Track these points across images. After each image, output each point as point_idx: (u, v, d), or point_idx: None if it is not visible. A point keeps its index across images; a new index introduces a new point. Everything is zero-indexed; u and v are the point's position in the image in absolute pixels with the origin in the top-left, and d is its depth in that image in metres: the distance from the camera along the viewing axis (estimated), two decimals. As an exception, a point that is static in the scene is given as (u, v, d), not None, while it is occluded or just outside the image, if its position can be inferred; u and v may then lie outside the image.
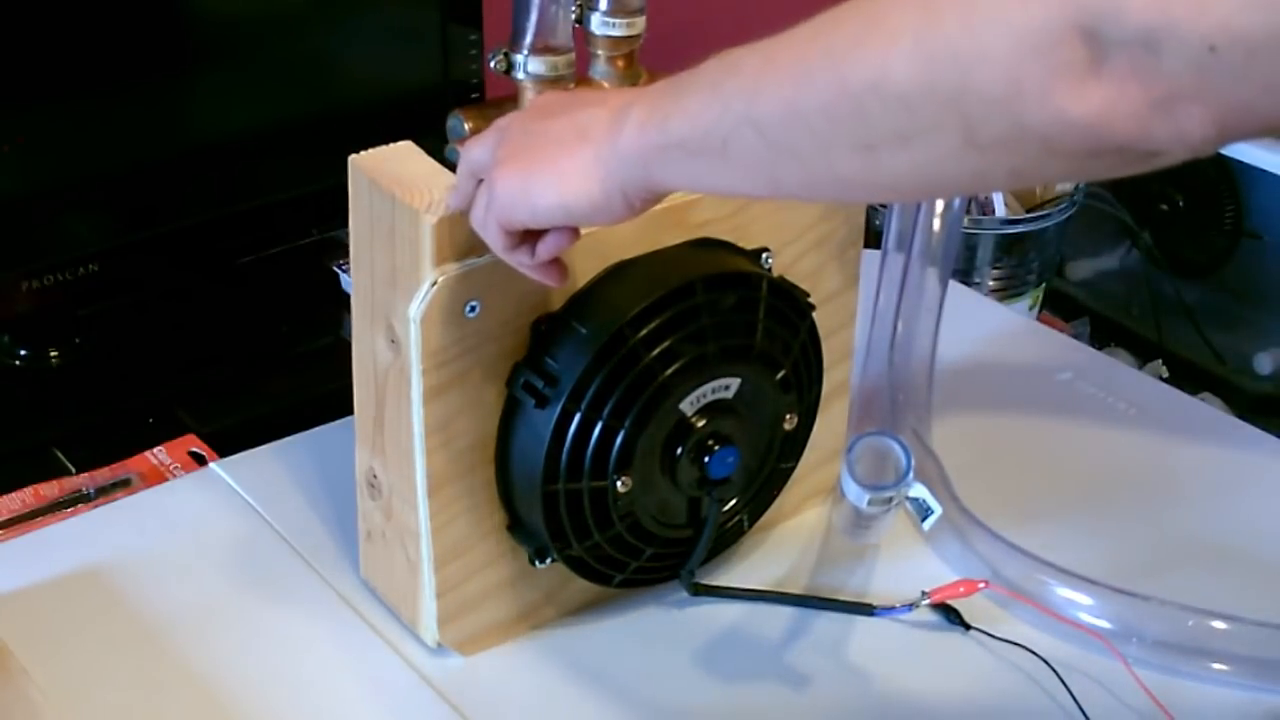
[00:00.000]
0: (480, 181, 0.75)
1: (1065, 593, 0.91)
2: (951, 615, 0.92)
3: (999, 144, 0.56)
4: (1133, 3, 0.52)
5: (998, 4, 0.55)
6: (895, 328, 1.08)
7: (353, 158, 0.83)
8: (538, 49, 0.84)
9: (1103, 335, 1.67)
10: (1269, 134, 0.55)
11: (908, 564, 0.97)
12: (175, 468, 1.06)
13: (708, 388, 0.85)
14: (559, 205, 0.71)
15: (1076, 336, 1.47)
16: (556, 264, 0.77)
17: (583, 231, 0.76)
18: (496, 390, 0.84)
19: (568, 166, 0.71)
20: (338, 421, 1.04)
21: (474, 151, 0.76)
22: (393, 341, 0.82)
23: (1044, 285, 1.51)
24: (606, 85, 0.89)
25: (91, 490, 1.04)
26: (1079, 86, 0.53)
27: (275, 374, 1.21)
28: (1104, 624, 0.90)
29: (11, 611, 0.91)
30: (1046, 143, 0.55)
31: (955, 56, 0.56)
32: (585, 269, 0.84)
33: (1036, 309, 1.51)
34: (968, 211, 1.40)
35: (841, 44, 0.60)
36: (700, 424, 0.85)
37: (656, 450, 0.85)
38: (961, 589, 0.91)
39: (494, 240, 0.75)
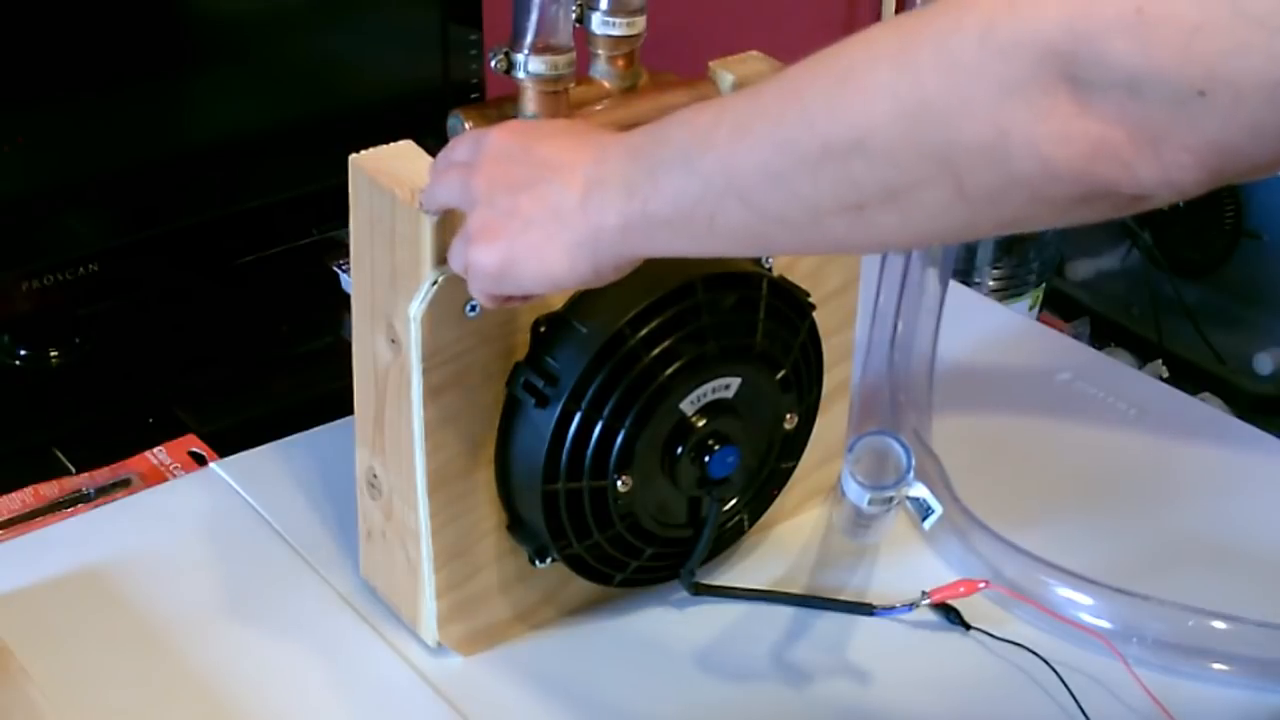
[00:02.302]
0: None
1: (1065, 593, 0.91)
2: (952, 615, 0.92)
3: (988, 194, 0.56)
4: (1115, 46, 0.51)
5: (977, 56, 0.54)
6: (895, 328, 1.08)
7: (353, 157, 0.83)
8: (538, 48, 0.84)
9: (1103, 335, 1.67)
10: (1256, 175, 0.55)
11: (908, 564, 0.97)
12: (175, 468, 1.06)
13: (708, 387, 0.85)
14: (547, 283, 0.73)
15: (1076, 336, 1.47)
16: None
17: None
18: (496, 390, 0.84)
19: (549, 250, 0.70)
20: (338, 421, 1.04)
21: (442, 192, 0.77)
22: (393, 341, 0.82)
23: (1044, 285, 1.51)
24: (607, 84, 0.89)
25: (91, 490, 1.04)
26: (1064, 132, 0.53)
27: (275, 374, 1.21)
28: (1104, 624, 0.90)
29: (11, 611, 0.91)
30: (1034, 190, 0.55)
31: (938, 111, 0.56)
32: (585, 269, 0.84)
33: (1036, 309, 1.51)
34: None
35: (818, 107, 0.60)
36: (700, 424, 0.85)
37: (657, 450, 0.85)
38: (961, 589, 0.91)
39: (480, 300, 0.76)
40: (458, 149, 0.76)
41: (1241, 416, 1.20)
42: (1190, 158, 0.52)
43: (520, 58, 0.85)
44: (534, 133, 0.74)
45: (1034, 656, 0.89)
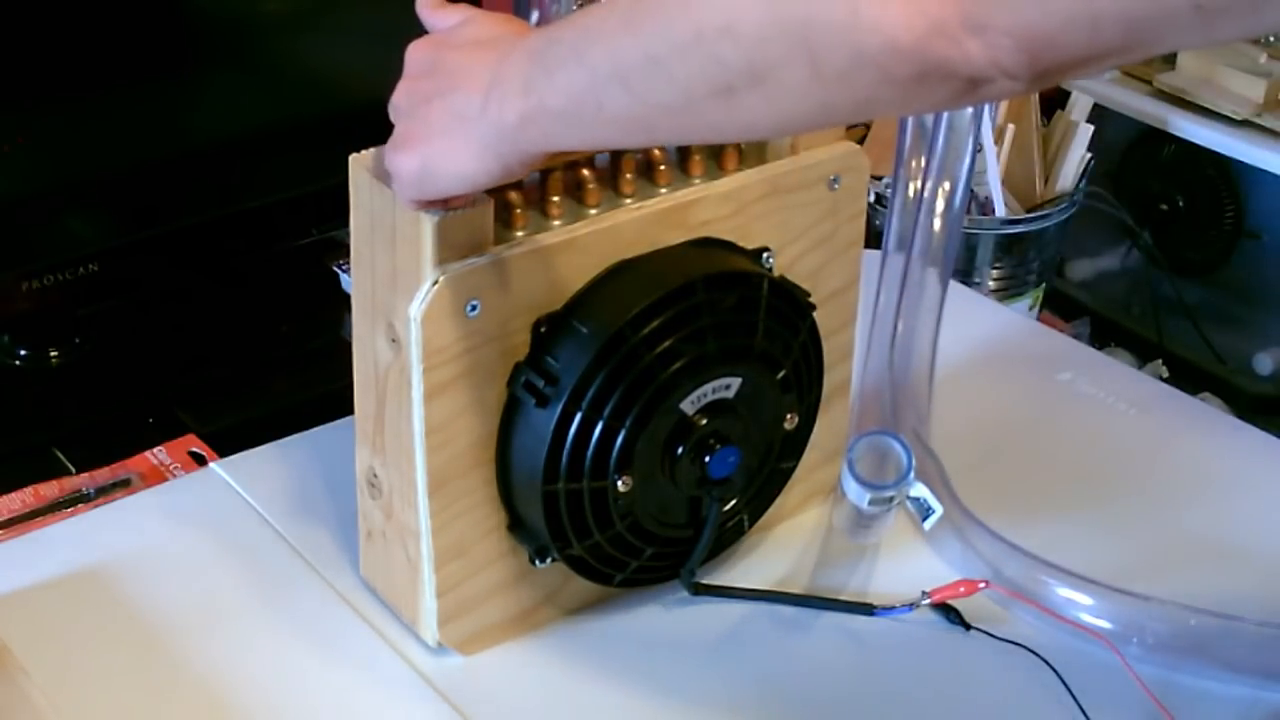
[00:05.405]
0: None
1: (1066, 593, 0.91)
2: (952, 615, 0.92)
3: (840, 73, 0.62)
4: None
5: None
6: (895, 328, 1.08)
7: (354, 156, 0.83)
8: (538, 48, 0.84)
9: (1103, 335, 1.67)
10: (1086, 73, 0.61)
11: (908, 564, 0.97)
12: (175, 468, 1.06)
13: (708, 387, 0.85)
14: (461, 182, 0.76)
15: (1076, 336, 1.47)
16: None
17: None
18: (497, 390, 0.84)
19: (458, 150, 0.75)
20: (338, 421, 1.04)
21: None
22: (393, 341, 0.82)
23: (1044, 285, 1.51)
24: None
25: (91, 490, 1.04)
26: (906, 12, 0.59)
27: (275, 374, 1.21)
28: (1104, 624, 0.90)
29: (11, 611, 0.91)
30: (881, 69, 0.61)
31: None
32: (585, 269, 0.84)
33: (1036, 309, 1.51)
34: (968, 212, 1.40)
35: None
36: (701, 423, 0.85)
37: (657, 450, 0.85)
38: (962, 589, 0.91)
39: (408, 205, 0.79)
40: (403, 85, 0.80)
41: (1241, 416, 1.20)
42: (1010, 41, 0.58)
43: (520, 58, 0.84)
44: (445, 42, 0.79)
45: (1034, 656, 0.89)
